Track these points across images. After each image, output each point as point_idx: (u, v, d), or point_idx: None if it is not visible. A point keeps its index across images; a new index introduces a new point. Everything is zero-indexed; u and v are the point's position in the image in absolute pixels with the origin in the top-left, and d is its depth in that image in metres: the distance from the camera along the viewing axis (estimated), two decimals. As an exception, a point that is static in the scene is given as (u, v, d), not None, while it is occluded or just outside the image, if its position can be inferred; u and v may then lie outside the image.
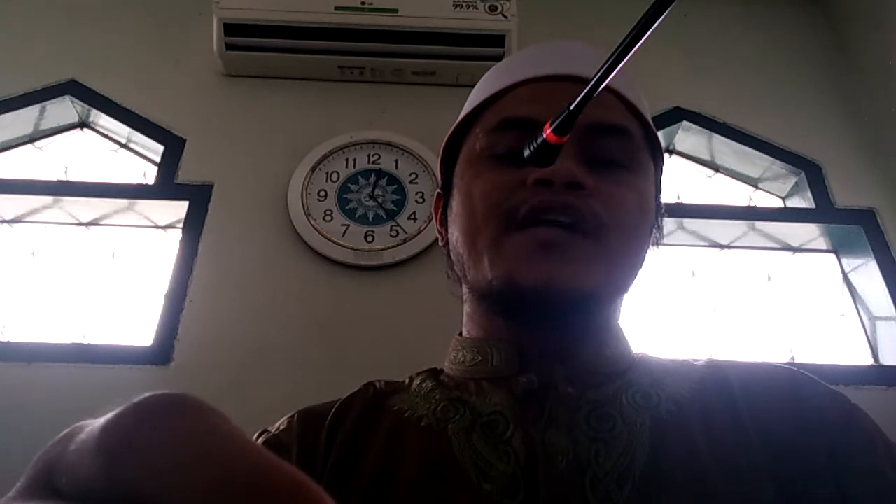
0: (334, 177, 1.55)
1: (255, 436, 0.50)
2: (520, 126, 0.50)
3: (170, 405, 0.21)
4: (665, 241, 1.70)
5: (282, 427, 0.50)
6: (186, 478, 0.19)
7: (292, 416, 0.51)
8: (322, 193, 1.52)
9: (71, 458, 0.22)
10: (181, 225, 1.49)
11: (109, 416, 0.22)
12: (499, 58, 1.65)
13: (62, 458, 0.22)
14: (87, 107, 1.67)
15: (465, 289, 0.55)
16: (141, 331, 1.37)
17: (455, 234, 0.53)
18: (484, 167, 0.52)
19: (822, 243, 1.68)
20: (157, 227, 1.59)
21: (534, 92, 0.53)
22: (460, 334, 0.57)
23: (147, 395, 0.22)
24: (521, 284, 0.46)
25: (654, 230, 0.55)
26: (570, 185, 0.47)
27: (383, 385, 0.54)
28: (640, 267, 0.52)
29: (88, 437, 0.22)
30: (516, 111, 0.52)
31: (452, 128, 0.58)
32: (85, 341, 1.36)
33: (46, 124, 1.69)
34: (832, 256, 1.68)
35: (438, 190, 0.62)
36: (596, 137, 0.50)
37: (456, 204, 0.54)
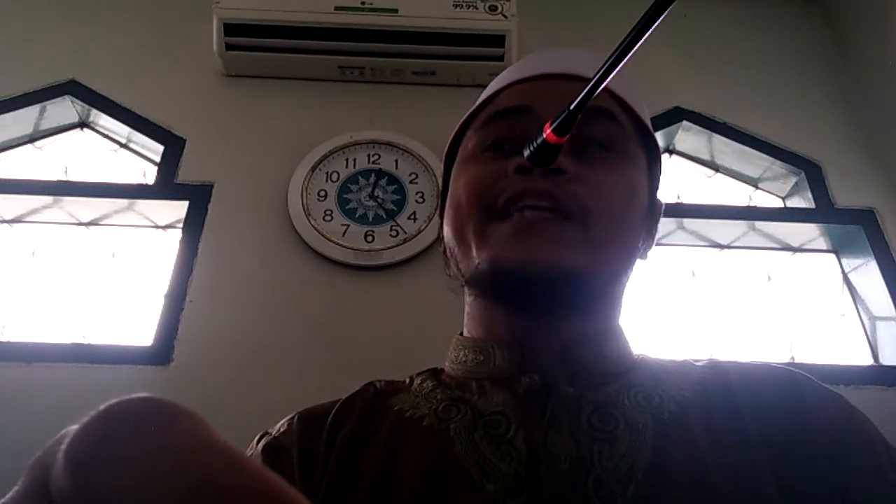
0: (334, 177, 1.55)
1: (256, 439, 0.50)
2: (506, 115, 0.51)
3: (139, 413, 0.21)
4: (665, 241, 1.71)
5: (282, 429, 0.50)
6: (157, 490, 0.19)
7: (292, 418, 0.51)
8: (322, 193, 1.52)
9: (54, 471, 0.21)
10: (181, 225, 1.49)
11: (78, 426, 0.21)
12: (499, 58, 1.65)
13: (54, 465, 0.22)
14: (87, 107, 1.67)
15: (465, 290, 0.55)
16: (141, 331, 1.37)
17: (446, 229, 0.54)
18: (472, 162, 0.53)
19: (822, 243, 1.68)
20: (157, 227, 1.59)
21: (523, 87, 0.54)
22: (461, 334, 0.57)
23: (115, 401, 0.21)
24: (503, 266, 0.47)
25: (650, 225, 0.55)
26: (550, 170, 0.47)
27: (384, 385, 0.54)
28: (630, 253, 0.52)
29: (64, 444, 0.21)
30: (503, 104, 0.53)
31: (451, 136, 0.59)
32: (85, 341, 1.36)
33: (46, 124, 1.69)
34: (832, 256, 1.68)
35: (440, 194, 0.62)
36: (579, 121, 0.50)
37: (449, 200, 0.55)
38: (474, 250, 0.49)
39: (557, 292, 0.48)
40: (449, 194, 0.55)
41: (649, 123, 0.56)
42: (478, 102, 0.57)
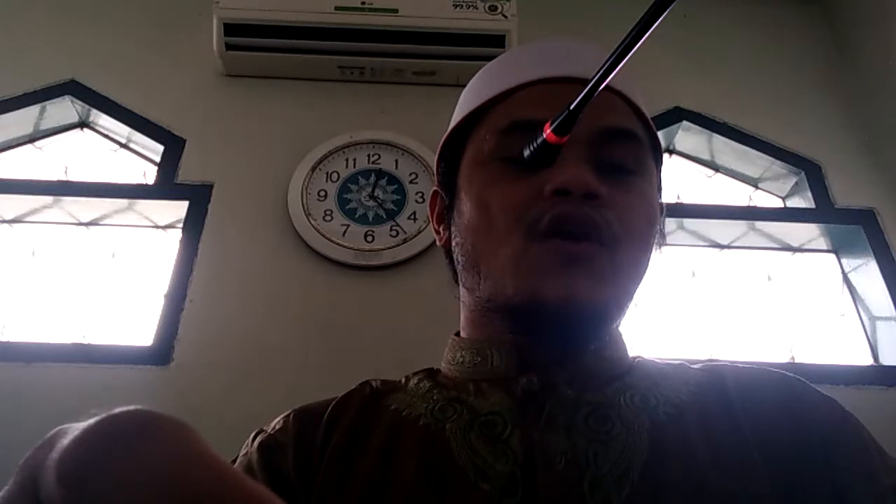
0: (334, 177, 1.55)
1: (252, 436, 0.50)
2: (530, 128, 0.48)
3: (131, 427, 0.21)
4: (665, 241, 1.70)
5: (277, 426, 0.50)
6: None
7: (288, 416, 0.51)
8: (322, 193, 1.52)
9: (44, 478, 0.21)
10: (181, 225, 1.49)
11: (69, 439, 0.21)
12: (499, 58, 1.64)
13: (44, 471, 0.22)
14: (87, 107, 1.67)
15: (467, 293, 0.54)
16: (141, 331, 1.37)
17: (469, 240, 0.51)
18: (495, 172, 0.51)
19: (822, 243, 1.68)
20: (157, 227, 1.59)
21: (543, 94, 0.52)
22: (457, 334, 0.56)
23: (107, 414, 0.22)
24: (544, 300, 0.45)
25: (656, 234, 0.55)
26: (586, 195, 0.46)
27: (379, 384, 0.54)
28: (646, 272, 0.52)
29: (55, 456, 0.21)
30: (526, 113, 0.50)
31: (454, 125, 0.57)
32: (85, 341, 1.36)
33: (46, 124, 1.69)
34: (832, 256, 1.68)
35: (435, 188, 0.60)
36: (606, 142, 0.49)
37: (468, 210, 0.52)
38: (509, 278, 0.47)
39: (583, 327, 0.48)
40: (470, 202, 0.52)
41: (653, 124, 0.56)
42: (489, 96, 0.54)
